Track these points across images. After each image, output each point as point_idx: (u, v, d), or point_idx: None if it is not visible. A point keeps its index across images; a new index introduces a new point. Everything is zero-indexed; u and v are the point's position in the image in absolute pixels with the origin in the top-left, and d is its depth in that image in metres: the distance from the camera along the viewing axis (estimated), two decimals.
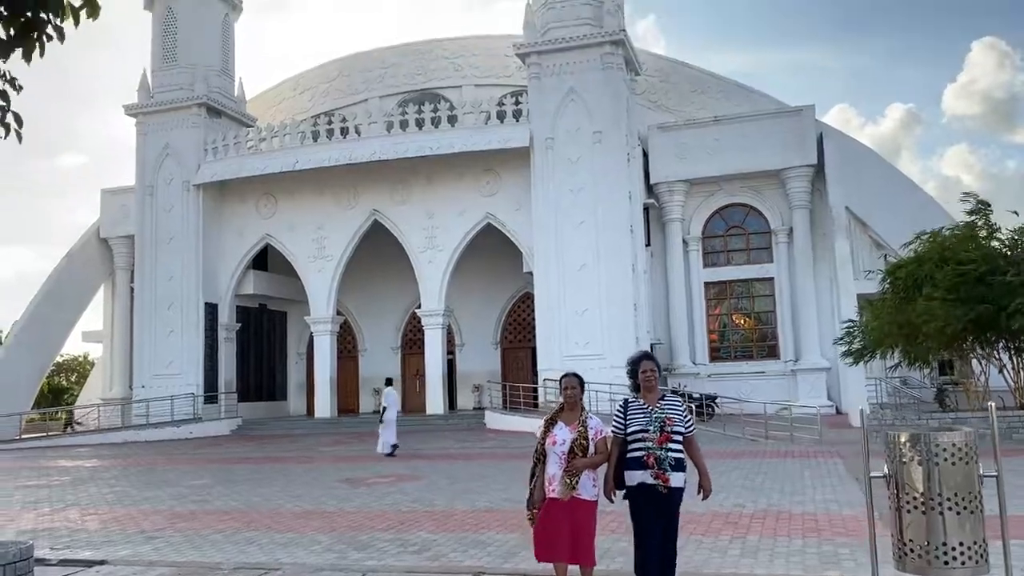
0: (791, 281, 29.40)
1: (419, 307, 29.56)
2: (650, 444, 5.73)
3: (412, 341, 33.84)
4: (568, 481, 5.74)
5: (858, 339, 18.82)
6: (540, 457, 5.95)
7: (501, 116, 27.72)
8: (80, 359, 61.78)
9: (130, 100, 32.01)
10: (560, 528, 5.73)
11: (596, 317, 25.94)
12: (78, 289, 35.77)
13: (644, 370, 5.97)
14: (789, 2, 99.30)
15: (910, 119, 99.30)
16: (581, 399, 6.08)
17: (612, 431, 5.95)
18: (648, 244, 28.85)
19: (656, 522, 5.70)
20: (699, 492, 5.94)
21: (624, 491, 5.85)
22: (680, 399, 6.09)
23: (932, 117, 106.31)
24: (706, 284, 30.37)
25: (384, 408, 19.36)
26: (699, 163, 29.57)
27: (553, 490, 5.80)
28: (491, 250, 30.01)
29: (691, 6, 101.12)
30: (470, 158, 27.89)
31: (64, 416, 39.07)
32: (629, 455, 5.84)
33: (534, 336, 28.35)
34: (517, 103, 27.70)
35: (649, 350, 5.66)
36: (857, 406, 23.00)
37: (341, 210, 29.90)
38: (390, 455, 18.53)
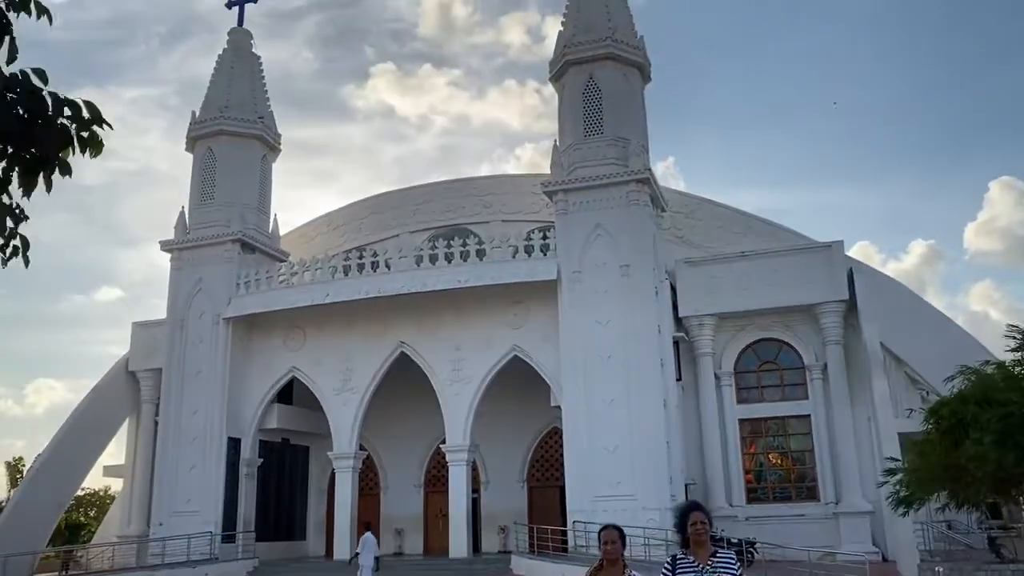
0: (828, 418, 28.48)
1: (443, 443, 28.89)
2: None
3: (436, 478, 32.93)
4: None
5: (903, 483, 17.84)
6: None
7: (529, 250, 27.95)
8: (100, 493, 60.70)
9: (167, 236, 32.82)
10: None
11: (627, 455, 25.10)
12: (103, 423, 35.54)
13: (694, 522, 5.49)
14: (803, 146, 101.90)
15: (932, 255, 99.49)
16: (623, 553, 5.57)
17: None
18: (679, 379, 28.28)
19: None
20: None
21: None
22: (733, 555, 5.56)
23: (955, 254, 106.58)
24: (740, 421, 29.50)
25: (358, 553, 19.04)
26: (728, 297, 29.34)
27: None
28: (518, 384, 29.54)
29: (708, 149, 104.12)
30: (498, 291, 27.94)
31: (81, 555, 38.03)
32: None
33: (562, 474, 27.45)
34: (544, 237, 27.97)
35: (697, 501, 5.27)
36: (905, 553, 21.72)
37: (369, 343, 29.83)
38: None
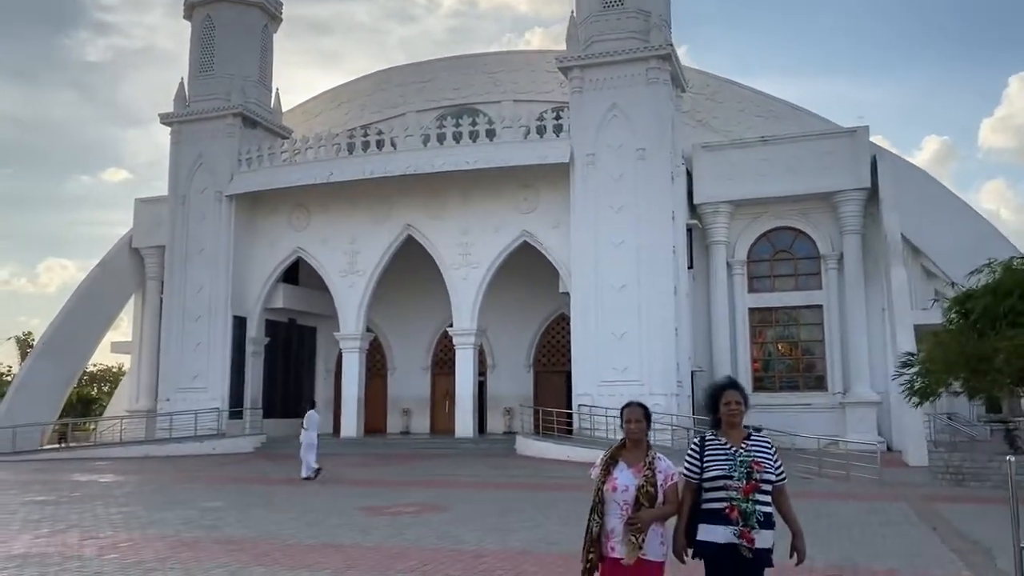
0: (841, 309, 27.99)
1: (451, 326, 28.61)
2: (733, 494, 4.66)
3: (442, 361, 32.87)
4: (633, 539, 4.67)
5: (920, 373, 17.43)
6: (598, 505, 4.84)
7: (541, 131, 26.81)
8: (114, 369, 61.51)
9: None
10: None
11: (635, 341, 24.77)
12: (109, 299, 35.36)
13: (727, 401, 4.90)
14: (821, 34, 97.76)
15: (946, 152, 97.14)
16: (647, 435, 5.02)
17: (684, 474, 4.90)
18: (691, 267, 27.66)
19: None
20: (792, 555, 4.86)
21: (696, 550, 4.79)
22: (769, 440, 5.00)
23: (968, 151, 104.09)
24: (750, 310, 29.04)
25: (304, 430, 18.87)
26: (746, 184, 28.39)
27: (613, 548, 4.74)
28: (526, 269, 29.03)
29: (724, 38, 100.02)
30: (508, 173, 27.00)
31: (93, 427, 38.64)
32: (705, 506, 4.77)
33: (569, 360, 27.25)
34: (558, 118, 26.78)
35: (732, 378, 4.80)
36: (913, 443, 21.59)
37: (374, 224, 29.14)
38: (309, 479, 18.26)
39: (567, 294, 26.59)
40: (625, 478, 4.82)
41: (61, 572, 8.39)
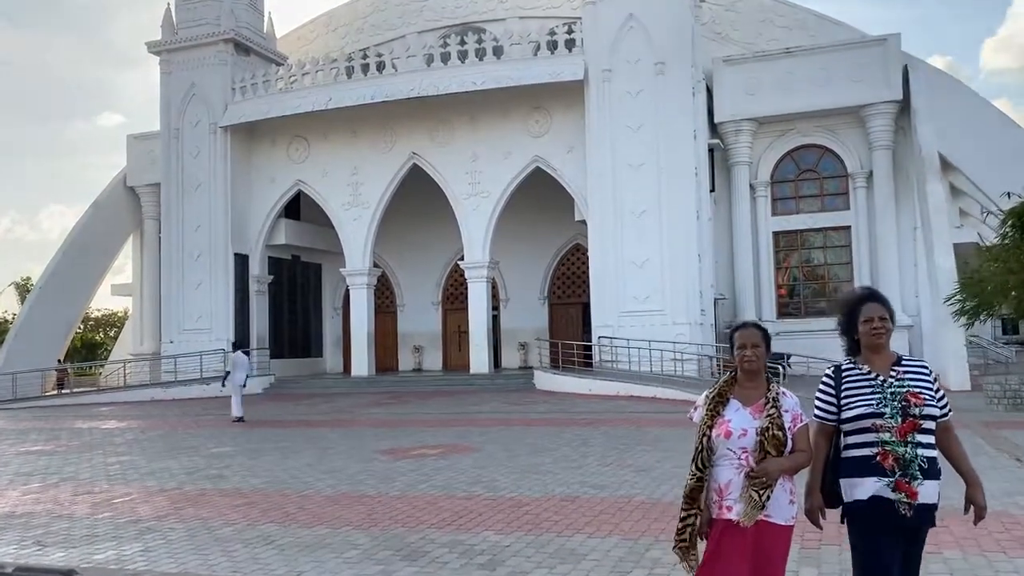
0: (870, 230, 26.72)
1: (462, 259, 27.41)
2: (886, 436, 3.51)
3: (454, 296, 31.77)
4: (756, 497, 3.54)
5: (971, 293, 16.27)
6: (703, 455, 3.71)
7: (552, 47, 25.13)
8: (119, 313, 60.53)
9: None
10: (739, 567, 3.55)
11: (657, 269, 23.59)
12: (105, 241, 34.17)
13: (868, 317, 3.71)
14: None
15: (949, 72, 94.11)
16: (765, 366, 3.85)
17: (816, 416, 3.76)
18: (712, 189, 26.27)
19: (893, 555, 3.53)
20: (967, 511, 3.74)
21: (840, 509, 3.68)
22: (926, 364, 3.82)
23: (970, 71, 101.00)
24: (775, 234, 27.79)
25: (227, 372, 18.20)
26: (769, 100, 26.83)
27: (728, 508, 3.61)
28: (539, 197, 27.67)
29: None
30: (517, 94, 25.43)
31: (98, 371, 37.89)
32: (848, 453, 3.63)
33: (585, 291, 26.19)
34: (570, 32, 25.07)
35: (871, 288, 3.82)
36: (953, 366, 20.58)
37: (377, 154, 27.68)
38: (238, 420, 17.45)
39: (583, 222, 25.31)
40: (741, 420, 3.66)
41: (46, 535, 7.37)
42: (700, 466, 3.69)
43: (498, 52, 25.67)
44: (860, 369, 3.70)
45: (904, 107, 26.01)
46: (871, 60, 26.03)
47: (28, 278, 51.25)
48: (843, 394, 3.66)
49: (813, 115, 26.82)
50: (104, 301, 65.51)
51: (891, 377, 3.63)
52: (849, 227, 27.21)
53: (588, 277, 25.27)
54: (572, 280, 30.76)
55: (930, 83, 26.11)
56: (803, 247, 27.94)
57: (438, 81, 25.80)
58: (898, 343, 25.41)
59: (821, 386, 3.77)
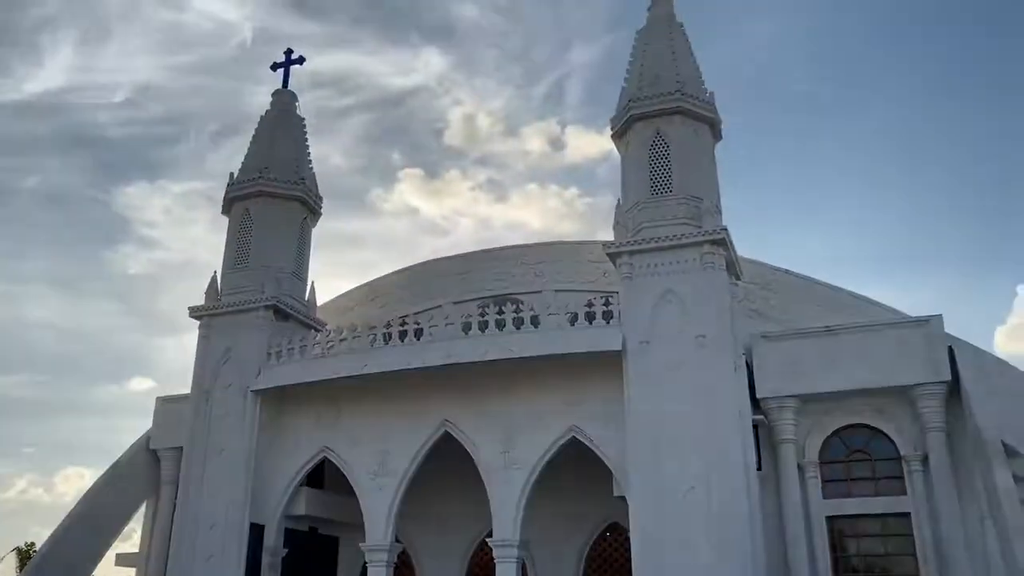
0: (932, 517, 24.77)
1: (490, 535, 25.51)
2: None
3: None
4: None
5: None
6: None
7: (590, 317, 25.12)
8: None
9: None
10: None
11: (704, 556, 21.57)
12: (119, 506, 32.85)
13: None
14: (838, 238, 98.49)
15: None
16: None
17: None
18: (760, 467, 24.87)
19: None
20: None
21: None
22: None
23: None
24: (828, 518, 25.85)
25: None
26: (812, 378, 26.19)
27: None
28: (572, 471, 26.31)
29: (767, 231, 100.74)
30: (554, 364, 25.04)
31: None
32: None
33: None
34: (607, 304, 25.18)
35: None
36: None
37: (409, 421, 26.86)
38: None
39: (622, 498, 23.73)
40: None
41: None
42: None
43: (535, 322, 25.70)
44: None
45: (953, 388, 25.21)
46: (914, 340, 25.66)
47: (32, 543, 48.98)
48: None
49: (859, 393, 26.00)
50: (107, 570, 62.08)
51: None
52: (908, 513, 25.29)
53: (627, 561, 23.20)
54: (610, 565, 28.45)
55: (980, 365, 25.50)
56: (861, 534, 25.84)
57: (474, 348, 25.62)
58: None
59: None
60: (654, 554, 21.96)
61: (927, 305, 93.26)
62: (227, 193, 31.86)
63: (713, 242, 24.34)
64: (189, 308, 30.38)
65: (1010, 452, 25.84)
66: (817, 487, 26.17)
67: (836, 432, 26.64)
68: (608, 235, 25.92)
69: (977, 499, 24.45)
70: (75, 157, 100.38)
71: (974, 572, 23.74)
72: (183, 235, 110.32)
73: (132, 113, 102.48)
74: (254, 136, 33.02)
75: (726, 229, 24.49)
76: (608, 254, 25.48)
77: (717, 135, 27.43)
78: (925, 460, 25.31)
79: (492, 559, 25.09)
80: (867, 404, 26.29)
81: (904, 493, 25.60)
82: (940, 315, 25.86)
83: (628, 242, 25.02)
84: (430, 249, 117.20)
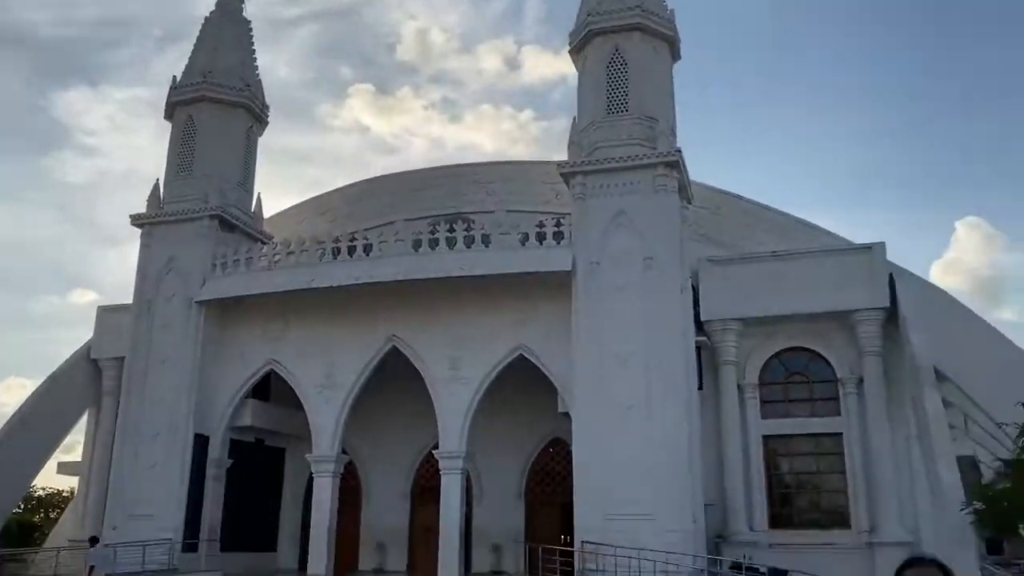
0: (863, 438, 25.82)
1: (435, 447, 25.86)
2: None
3: (425, 488, 29.82)
4: None
5: (990, 510, 15.12)
6: None
7: (541, 237, 25.09)
8: (64, 493, 56.65)
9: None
10: None
11: (645, 469, 22.15)
12: (59, 416, 32.45)
13: None
14: (787, 172, 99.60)
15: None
16: None
17: None
18: (700, 387, 25.45)
19: None
20: None
21: None
22: None
23: None
24: (765, 437, 26.75)
25: (91, 567, 17.23)
26: (755, 301, 26.70)
27: None
28: (518, 387, 26.59)
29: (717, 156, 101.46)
30: (504, 282, 25.06)
31: (30, 558, 34.64)
32: None
33: (565, 491, 24.60)
34: (558, 225, 25.12)
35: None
36: None
37: (357, 336, 26.78)
38: None
39: (566, 414, 24.16)
40: None
41: None
42: None
43: (486, 240, 25.56)
44: None
45: (892, 314, 25.92)
46: (857, 266, 26.23)
47: None
48: None
49: (800, 318, 26.63)
50: (48, 479, 61.71)
51: None
52: (841, 433, 26.29)
53: (569, 475, 23.80)
54: (552, 477, 29.09)
55: (916, 292, 26.20)
56: (795, 453, 26.84)
57: (424, 266, 25.48)
58: (897, 561, 23.79)
59: None
60: (595, 468, 22.48)
61: (870, 235, 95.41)
62: (169, 97, 30.68)
63: (667, 164, 24.27)
64: (130, 216, 29.60)
65: (940, 378, 26.96)
66: (756, 407, 26.95)
67: (776, 355, 27.34)
68: (563, 158, 25.63)
69: (907, 422, 25.47)
70: (6, 59, 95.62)
71: (899, 491, 24.89)
72: (126, 143, 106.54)
73: (68, 13, 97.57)
74: (198, 39, 31.68)
75: (680, 151, 24.42)
76: (562, 174, 25.30)
77: (676, 55, 27.08)
78: (860, 383, 26.17)
79: (438, 471, 25.51)
80: (808, 328, 26.93)
81: (838, 414, 26.52)
82: (883, 243, 26.41)
83: (582, 162, 24.83)
84: (380, 167, 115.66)
